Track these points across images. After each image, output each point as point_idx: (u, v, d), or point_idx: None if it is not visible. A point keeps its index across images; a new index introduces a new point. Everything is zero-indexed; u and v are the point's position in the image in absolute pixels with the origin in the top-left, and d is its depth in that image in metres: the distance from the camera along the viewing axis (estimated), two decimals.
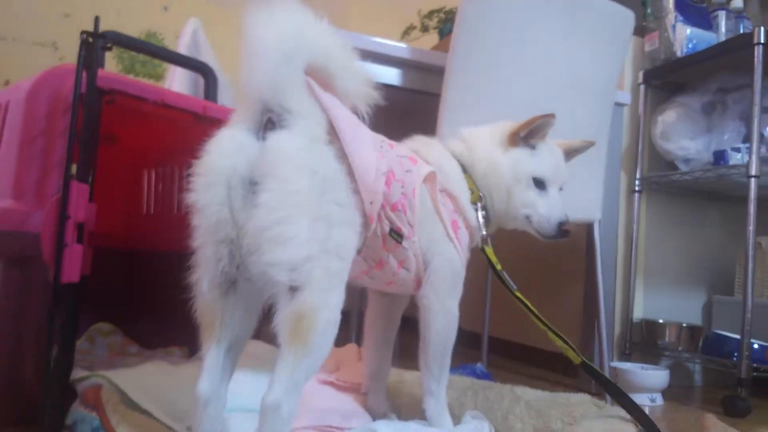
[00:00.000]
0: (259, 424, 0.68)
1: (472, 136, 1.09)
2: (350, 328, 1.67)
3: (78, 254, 0.94)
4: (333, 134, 0.77)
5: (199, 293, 0.76)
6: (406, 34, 2.69)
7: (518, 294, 1.03)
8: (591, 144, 1.14)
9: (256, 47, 0.72)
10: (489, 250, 1.05)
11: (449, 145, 1.08)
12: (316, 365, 0.73)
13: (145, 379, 1.00)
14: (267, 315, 0.77)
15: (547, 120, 1.05)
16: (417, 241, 0.93)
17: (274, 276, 0.70)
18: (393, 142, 0.97)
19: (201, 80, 1.52)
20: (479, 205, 1.03)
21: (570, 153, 1.15)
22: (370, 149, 0.83)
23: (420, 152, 1.01)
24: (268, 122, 0.73)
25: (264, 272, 0.70)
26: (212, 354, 0.76)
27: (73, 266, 0.93)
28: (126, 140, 1.42)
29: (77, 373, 1.01)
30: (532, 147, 1.06)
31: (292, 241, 0.70)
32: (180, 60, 1.58)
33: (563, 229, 1.05)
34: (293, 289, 0.70)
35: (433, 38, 2.73)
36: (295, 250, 0.70)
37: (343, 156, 0.77)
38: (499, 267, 1.05)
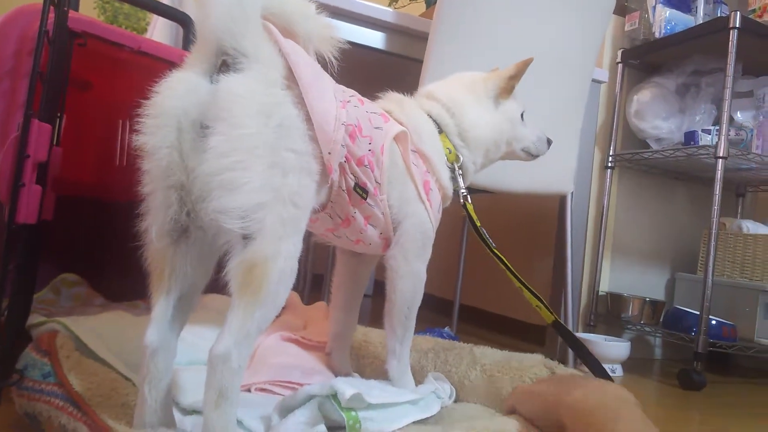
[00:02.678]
0: (207, 375, 0.66)
1: (445, 90, 1.08)
2: (323, 292, 1.67)
3: (36, 195, 0.90)
4: (292, 80, 0.74)
5: (148, 241, 0.73)
6: (393, 0, 2.66)
7: (496, 251, 1.03)
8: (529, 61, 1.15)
9: None
10: (470, 207, 1.05)
11: (423, 103, 1.07)
12: (269, 316, 0.71)
13: (103, 328, 0.97)
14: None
15: (528, 63, 1.11)
16: (385, 200, 0.91)
17: (224, 223, 0.67)
18: (365, 99, 0.95)
19: (180, 34, 1.48)
20: (457, 165, 1.03)
21: None
22: (331, 98, 0.80)
23: (393, 113, 0.99)
24: (223, 65, 0.70)
25: (214, 220, 0.68)
26: (161, 304, 0.72)
27: (31, 207, 0.89)
28: (100, 88, 1.38)
29: (34, 319, 0.99)
30: (513, 92, 1.12)
31: (243, 187, 0.67)
32: (161, 9, 1.53)
33: (550, 142, 1.18)
34: (246, 238, 0.68)
35: (420, 6, 2.70)
36: (246, 196, 0.67)
37: (301, 102, 0.74)
38: (478, 224, 1.05)
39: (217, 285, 0.85)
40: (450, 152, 1.03)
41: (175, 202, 0.70)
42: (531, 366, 1.05)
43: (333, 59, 0.82)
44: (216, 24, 0.69)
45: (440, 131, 1.04)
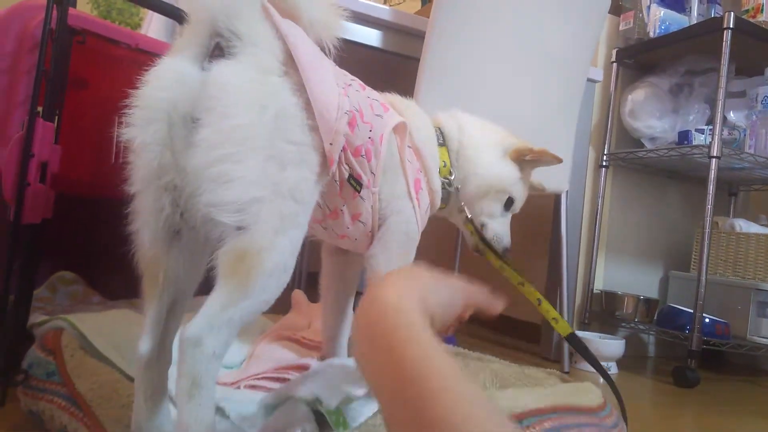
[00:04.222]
0: (178, 361, 0.62)
1: (469, 121, 1.08)
2: (318, 290, 1.66)
3: (41, 195, 0.90)
4: (290, 65, 0.69)
5: (140, 246, 0.69)
6: None
7: (511, 269, 1.03)
8: (559, 161, 1.11)
9: None
10: (473, 226, 1.04)
11: (437, 115, 1.07)
12: (255, 309, 0.67)
13: (108, 325, 0.97)
14: None
15: (551, 160, 1.07)
16: (377, 193, 0.88)
17: (218, 217, 0.63)
18: (366, 86, 0.92)
19: (176, 30, 1.47)
20: (450, 179, 1.02)
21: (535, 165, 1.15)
22: (333, 84, 0.75)
23: (395, 105, 0.97)
24: (216, 49, 0.66)
25: (206, 215, 0.64)
26: (154, 311, 0.69)
27: (36, 207, 0.90)
28: (97, 86, 1.38)
29: (37, 318, 0.98)
30: (521, 171, 1.08)
31: (237, 181, 0.63)
32: (156, 5, 1.52)
33: (506, 255, 1.08)
34: (240, 228, 0.64)
35: (415, 4, 2.71)
36: (240, 191, 0.64)
37: (300, 89, 0.69)
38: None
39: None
40: (444, 165, 1.02)
41: (168, 204, 0.66)
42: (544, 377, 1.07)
43: (333, 48, 0.78)
44: (211, 2, 0.66)
45: (442, 144, 1.04)
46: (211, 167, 0.63)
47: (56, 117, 1.01)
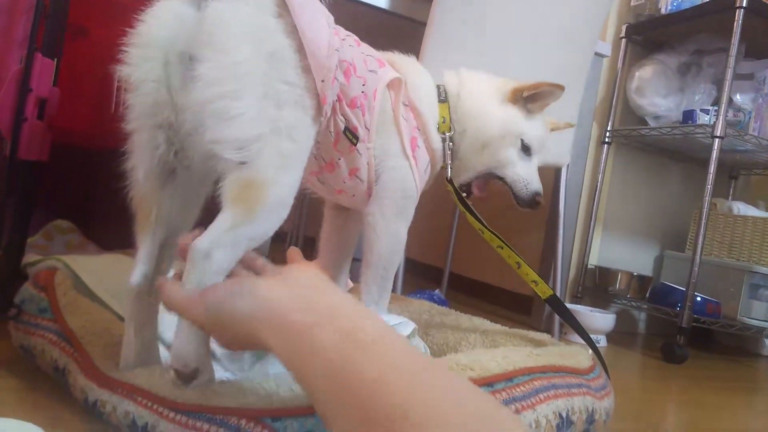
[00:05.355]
0: (186, 270, 0.63)
1: (470, 75, 1.05)
2: (316, 255, 1.67)
3: (38, 131, 0.90)
4: (283, 7, 0.69)
5: (134, 183, 0.70)
6: None
7: (490, 231, 1.01)
8: (571, 125, 1.08)
9: None
10: (453, 186, 1.01)
11: (443, 73, 1.04)
12: (255, 236, 0.67)
13: (102, 268, 0.98)
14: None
15: (553, 89, 1.02)
16: (372, 148, 0.89)
17: (222, 153, 0.64)
18: (362, 42, 0.91)
19: None
20: (447, 135, 1.00)
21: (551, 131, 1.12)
22: (324, 25, 0.76)
23: (394, 63, 0.96)
24: None
25: (209, 151, 0.65)
26: (147, 246, 0.71)
27: (32, 144, 0.89)
28: (97, 34, 1.36)
29: (30, 258, 0.99)
30: (528, 112, 1.03)
31: (238, 118, 0.64)
32: None
33: (536, 200, 1.04)
34: (243, 164, 0.65)
35: None
36: (242, 127, 0.64)
37: (293, 31, 0.69)
38: (460, 207, 1.02)
39: None
40: (444, 121, 1.00)
41: (163, 142, 0.67)
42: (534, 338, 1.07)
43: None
44: None
45: (444, 101, 1.02)
46: (212, 103, 0.64)
47: (55, 58, 1.00)
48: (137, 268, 0.71)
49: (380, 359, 0.46)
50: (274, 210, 0.68)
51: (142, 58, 0.66)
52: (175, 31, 0.66)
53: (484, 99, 1.03)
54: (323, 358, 0.47)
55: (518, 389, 0.79)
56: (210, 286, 0.62)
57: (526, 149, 1.03)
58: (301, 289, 0.55)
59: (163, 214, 0.71)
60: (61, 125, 1.06)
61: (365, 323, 0.50)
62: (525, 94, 1.02)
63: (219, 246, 0.63)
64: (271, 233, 0.69)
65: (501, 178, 1.04)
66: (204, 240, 0.63)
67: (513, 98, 1.02)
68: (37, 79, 0.90)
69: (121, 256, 1.10)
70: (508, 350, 0.87)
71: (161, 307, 0.74)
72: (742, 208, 2.28)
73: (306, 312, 0.52)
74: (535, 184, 1.04)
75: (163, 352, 0.79)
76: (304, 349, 0.49)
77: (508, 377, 0.80)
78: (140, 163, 0.69)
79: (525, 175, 1.03)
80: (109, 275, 0.97)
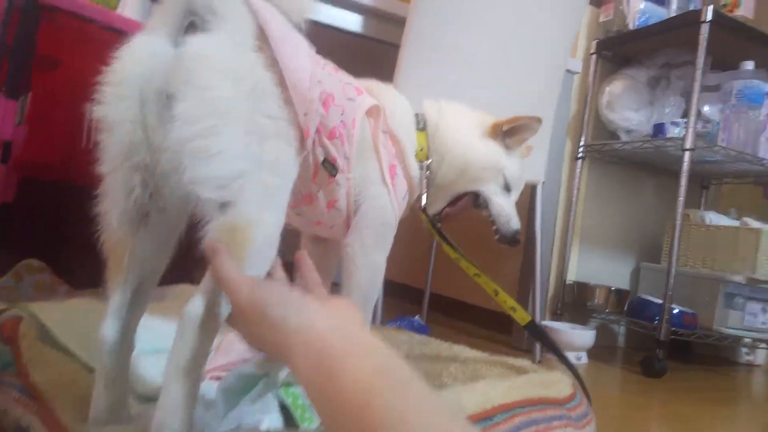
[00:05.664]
0: (176, 338, 0.62)
1: (450, 106, 1.07)
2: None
3: (1, 174, 0.87)
4: (263, 41, 0.68)
5: (106, 227, 0.67)
6: None
7: (468, 261, 1.02)
8: (537, 120, 1.10)
9: None
10: (426, 216, 1.02)
11: (423, 102, 1.06)
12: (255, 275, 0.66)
13: (70, 315, 0.94)
14: None
15: (530, 122, 1.05)
16: (352, 178, 0.88)
17: (201, 192, 0.62)
18: (339, 69, 0.91)
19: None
20: (425, 164, 1.00)
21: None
22: (305, 55, 0.75)
23: (372, 90, 0.96)
24: (190, 26, 0.65)
25: (188, 192, 0.63)
26: (118, 294, 0.68)
27: None
28: (69, 65, 1.33)
29: None
30: (507, 147, 1.06)
31: (219, 155, 0.62)
32: None
33: (517, 238, 1.06)
34: (225, 205, 0.63)
35: None
36: (223, 165, 0.63)
37: (273, 65, 0.69)
38: (436, 235, 1.03)
39: (186, 275, 0.82)
40: (422, 150, 1.00)
41: (139, 184, 0.65)
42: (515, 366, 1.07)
43: (304, 27, 0.77)
44: None
45: (422, 129, 1.02)
46: (192, 141, 0.62)
47: (21, 97, 0.97)
48: (108, 319, 0.69)
49: (406, 401, 0.47)
50: (262, 252, 0.66)
51: (117, 97, 0.64)
52: (151, 68, 0.64)
53: (465, 131, 1.05)
54: (352, 388, 0.48)
55: (499, 428, 0.78)
56: (265, 283, 0.61)
57: (507, 187, 1.06)
58: (343, 320, 0.56)
59: (136, 260, 0.68)
60: (32, 159, 1.03)
61: (396, 363, 0.51)
62: (504, 128, 1.04)
63: (211, 309, 0.62)
64: (261, 277, 0.67)
65: (481, 206, 1.06)
66: (194, 304, 0.61)
67: (493, 133, 1.04)
68: (0, 123, 0.88)
69: (92, 301, 1.07)
70: (488, 385, 0.86)
71: (144, 321, 0.72)
72: (714, 218, 2.32)
73: (346, 342, 0.52)
74: (515, 221, 1.06)
75: (135, 405, 0.77)
76: (334, 376, 0.49)
77: (488, 416, 0.79)
78: (113, 207, 0.67)
79: (508, 211, 1.05)
80: (78, 321, 0.94)
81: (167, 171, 0.64)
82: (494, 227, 1.06)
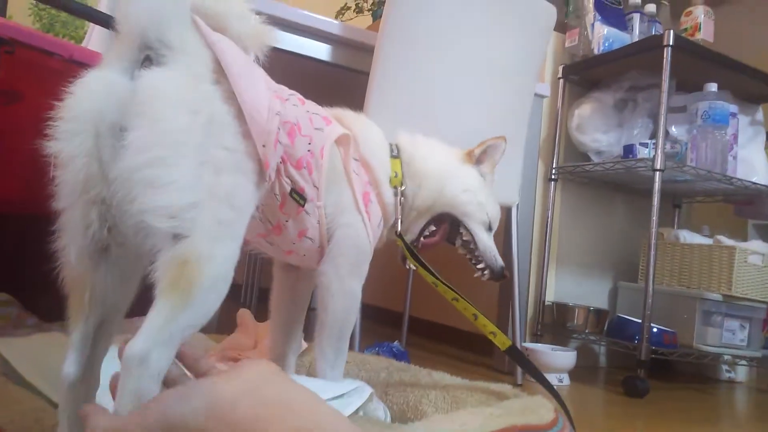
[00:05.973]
0: (121, 379, 0.58)
1: (424, 139, 1.09)
2: None
3: None
4: (220, 74, 0.68)
5: (66, 263, 0.66)
6: (340, 13, 2.67)
7: (444, 284, 1.02)
8: (503, 140, 1.13)
9: None
10: (402, 241, 1.02)
11: (397, 133, 1.07)
12: (196, 322, 0.63)
13: (35, 350, 0.92)
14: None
15: (496, 142, 1.09)
16: (323, 207, 0.88)
17: (152, 223, 0.61)
18: (306, 100, 0.91)
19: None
20: (399, 189, 1.00)
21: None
22: (263, 88, 0.75)
23: (343, 119, 0.96)
24: (145, 60, 0.64)
25: (139, 223, 0.61)
26: (80, 331, 0.66)
27: None
28: (32, 99, 1.31)
29: None
30: (482, 176, 1.09)
31: (170, 186, 0.61)
32: (97, 17, 1.47)
33: (504, 273, 1.09)
34: (177, 237, 0.62)
35: (366, 19, 2.72)
36: (174, 195, 0.61)
37: (231, 97, 0.69)
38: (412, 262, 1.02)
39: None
40: (396, 176, 1.01)
41: (96, 219, 0.64)
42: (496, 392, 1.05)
43: (261, 58, 0.76)
44: (141, 13, 0.64)
45: (396, 156, 1.03)
46: (141, 170, 0.61)
47: None
48: (70, 356, 0.66)
49: None
50: (213, 288, 0.64)
51: (71, 132, 0.63)
52: (106, 102, 0.63)
53: (442, 158, 1.07)
54: None
55: None
56: (154, 398, 0.57)
57: (489, 227, 1.08)
58: (251, 383, 0.53)
59: (98, 295, 0.66)
60: None
61: (319, 420, 0.49)
62: (476, 152, 1.08)
63: (155, 346, 0.58)
64: (211, 315, 0.65)
65: (458, 243, 1.08)
66: (137, 344, 0.58)
67: (468, 159, 1.09)
68: None
69: (57, 335, 1.03)
70: (467, 415, 0.84)
71: (111, 355, 0.68)
72: (687, 236, 2.34)
73: (257, 407, 0.50)
74: (499, 257, 1.09)
75: None
76: None
77: None
78: (72, 243, 0.65)
79: (493, 248, 1.08)
80: (43, 357, 0.91)
81: (120, 201, 0.62)
82: (480, 265, 1.08)
